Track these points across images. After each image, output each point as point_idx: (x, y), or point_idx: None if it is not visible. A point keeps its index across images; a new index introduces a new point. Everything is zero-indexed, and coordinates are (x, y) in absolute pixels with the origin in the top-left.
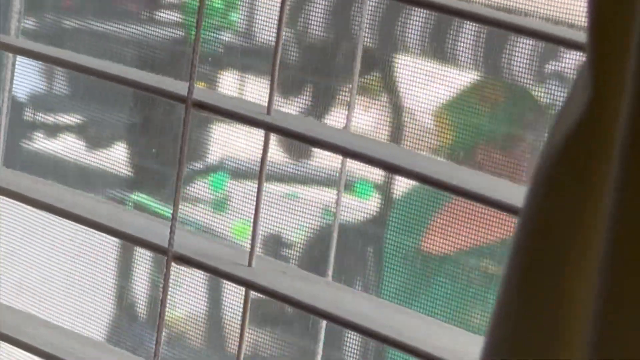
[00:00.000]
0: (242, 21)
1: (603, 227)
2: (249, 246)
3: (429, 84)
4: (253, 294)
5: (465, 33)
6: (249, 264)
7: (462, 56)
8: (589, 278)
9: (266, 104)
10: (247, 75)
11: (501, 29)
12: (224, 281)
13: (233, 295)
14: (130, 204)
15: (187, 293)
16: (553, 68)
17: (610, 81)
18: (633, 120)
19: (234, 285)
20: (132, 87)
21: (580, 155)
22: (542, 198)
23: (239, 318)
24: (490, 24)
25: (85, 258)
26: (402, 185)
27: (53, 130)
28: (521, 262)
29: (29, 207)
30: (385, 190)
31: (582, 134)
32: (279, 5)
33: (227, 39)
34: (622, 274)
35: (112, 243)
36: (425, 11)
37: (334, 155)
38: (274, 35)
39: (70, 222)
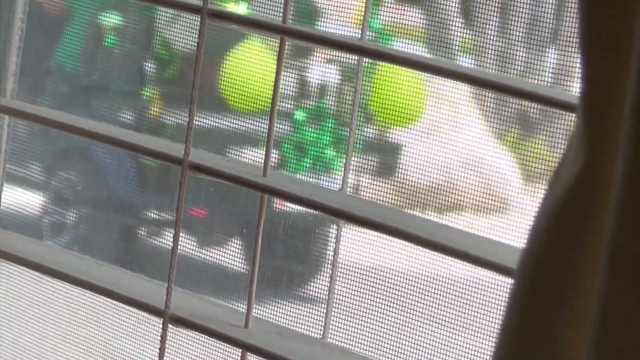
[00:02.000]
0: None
1: (598, 290)
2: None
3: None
4: (250, 355)
5: None
6: (246, 326)
7: None
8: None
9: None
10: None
11: (494, 90)
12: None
13: (230, 358)
14: None
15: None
16: None
17: (605, 143)
18: (628, 182)
19: (231, 347)
20: (128, 149)
21: (575, 216)
22: (538, 258)
23: None
24: (482, 85)
25: (80, 319)
26: None
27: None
28: (515, 323)
29: (24, 268)
30: None
31: (577, 196)
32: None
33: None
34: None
35: (107, 304)
36: None
37: None
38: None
39: (66, 283)
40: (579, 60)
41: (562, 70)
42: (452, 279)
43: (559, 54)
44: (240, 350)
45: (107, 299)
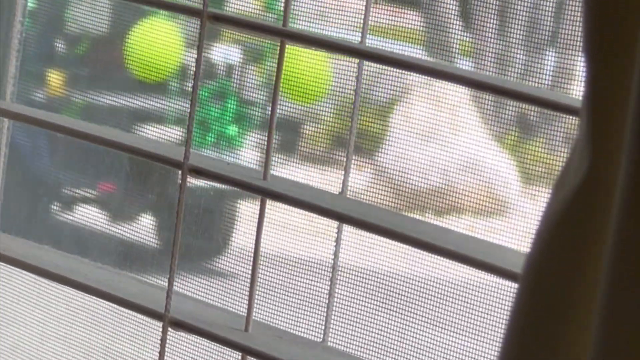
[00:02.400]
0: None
1: (601, 294)
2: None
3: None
4: (250, 359)
5: None
6: (246, 329)
7: None
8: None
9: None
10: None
11: (493, 93)
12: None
13: None
14: None
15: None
16: None
17: (610, 147)
18: (631, 187)
19: (231, 350)
20: (128, 152)
21: (579, 221)
22: (542, 263)
23: None
24: (481, 88)
25: (80, 322)
26: None
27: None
28: (519, 328)
29: (24, 271)
30: None
31: (582, 200)
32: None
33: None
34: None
35: (107, 307)
36: None
37: None
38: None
39: (65, 286)
40: (580, 63)
41: (561, 72)
42: (452, 282)
43: (557, 56)
44: (240, 353)
45: (107, 303)
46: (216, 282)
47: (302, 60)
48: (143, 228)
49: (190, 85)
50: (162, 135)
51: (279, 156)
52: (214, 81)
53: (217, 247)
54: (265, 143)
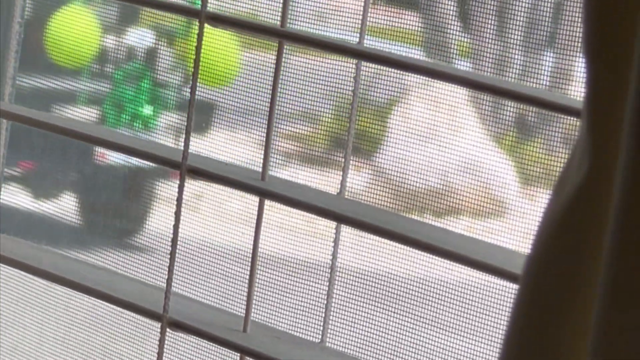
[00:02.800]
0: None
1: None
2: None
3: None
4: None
5: None
6: (244, 330)
7: None
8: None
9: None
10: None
11: (492, 94)
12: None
13: None
14: None
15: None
16: None
17: (610, 148)
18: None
19: (229, 351)
20: (126, 153)
21: (580, 222)
22: (543, 265)
23: None
24: (480, 89)
25: (78, 323)
26: None
27: None
28: (519, 330)
29: (23, 272)
30: None
31: (581, 203)
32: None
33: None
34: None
35: (106, 308)
36: None
37: None
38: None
39: (64, 287)
40: (578, 64)
41: (559, 73)
42: (450, 283)
43: (556, 57)
44: (238, 354)
45: (106, 303)
46: (135, 257)
47: (211, 44)
48: (64, 206)
49: (108, 67)
50: (76, 115)
51: (193, 136)
52: (128, 64)
53: (135, 224)
54: (176, 123)
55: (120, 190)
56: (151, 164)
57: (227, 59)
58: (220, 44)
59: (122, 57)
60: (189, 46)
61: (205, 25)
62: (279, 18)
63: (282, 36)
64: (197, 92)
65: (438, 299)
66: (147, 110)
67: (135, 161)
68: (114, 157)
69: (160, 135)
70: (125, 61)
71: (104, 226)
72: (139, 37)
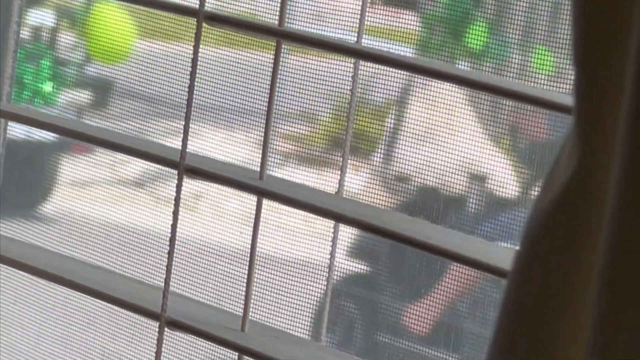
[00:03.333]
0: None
1: (593, 292)
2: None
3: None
4: (246, 358)
5: None
6: (242, 329)
7: None
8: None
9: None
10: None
11: (490, 93)
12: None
13: None
14: None
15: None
16: None
17: (599, 143)
18: (625, 186)
19: (227, 350)
20: (125, 152)
21: (568, 217)
22: (531, 260)
23: None
24: (475, 87)
25: (77, 322)
26: None
27: None
28: (508, 326)
29: (22, 272)
30: None
31: (570, 199)
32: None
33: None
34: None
35: (104, 308)
36: None
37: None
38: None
39: (63, 287)
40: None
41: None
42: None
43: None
44: (236, 353)
45: (104, 303)
46: (40, 227)
47: (105, 22)
48: None
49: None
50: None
51: (91, 112)
52: (29, 43)
53: (39, 196)
54: (77, 100)
55: (23, 162)
56: (53, 138)
57: (121, 37)
58: (114, 22)
59: (23, 37)
60: (88, 26)
61: (98, 3)
62: (276, 17)
63: (279, 35)
64: (94, 70)
65: None
66: (48, 87)
67: (36, 135)
68: (16, 133)
69: (61, 111)
70: (28, 41)
71: (8, 195)
72: (39, 17)
